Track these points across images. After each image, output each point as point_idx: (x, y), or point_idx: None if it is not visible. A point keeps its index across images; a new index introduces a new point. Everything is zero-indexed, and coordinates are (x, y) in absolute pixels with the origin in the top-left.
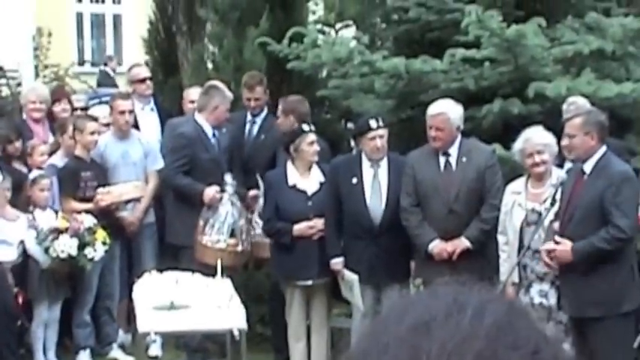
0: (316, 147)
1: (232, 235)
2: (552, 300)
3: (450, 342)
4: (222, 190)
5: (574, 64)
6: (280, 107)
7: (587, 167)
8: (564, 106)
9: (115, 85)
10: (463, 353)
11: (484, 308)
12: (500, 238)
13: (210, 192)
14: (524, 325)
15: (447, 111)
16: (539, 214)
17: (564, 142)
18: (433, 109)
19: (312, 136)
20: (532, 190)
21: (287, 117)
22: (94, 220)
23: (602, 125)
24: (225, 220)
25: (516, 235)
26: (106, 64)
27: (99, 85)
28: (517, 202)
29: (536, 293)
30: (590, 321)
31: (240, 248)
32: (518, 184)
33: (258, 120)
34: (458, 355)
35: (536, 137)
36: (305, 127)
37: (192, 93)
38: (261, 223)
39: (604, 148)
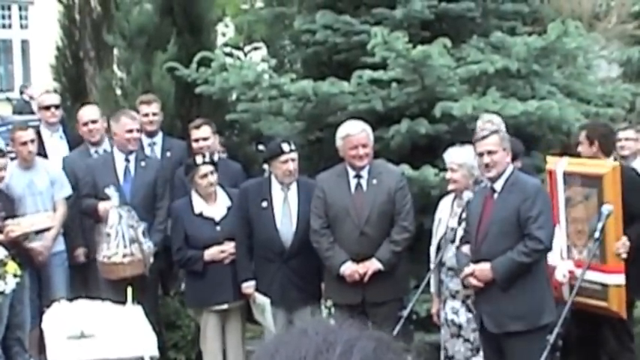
0: (210, 179)
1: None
2: (462, 318)
3: None
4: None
5: (480, 83)
6: None
7: (497, 185)
8: (479, 123)
9: (33, 112)
10: None
11: (352, 346)
12: (432, 251)
13: (101, 206)
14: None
15: (365, 128)
16: (455, 231)
17: (485, 159)
18: (353, 128)
19: (203, 169)
20: (456, 207)
21: None
22: (5, 252)
23: (513, 143)
24: (115, 234)
25: (435, 250)
26: (22, 92)
27: (15, 113)
28: (442, 218)
29: (450, 310)
30: (510, 336)
31: (128, 259)
32: (447, 199)
33: (158, 140)
34: None
35: (453, 155)
36: (198, 159)
37: (87, 113)
38: None
39: (512, 166)
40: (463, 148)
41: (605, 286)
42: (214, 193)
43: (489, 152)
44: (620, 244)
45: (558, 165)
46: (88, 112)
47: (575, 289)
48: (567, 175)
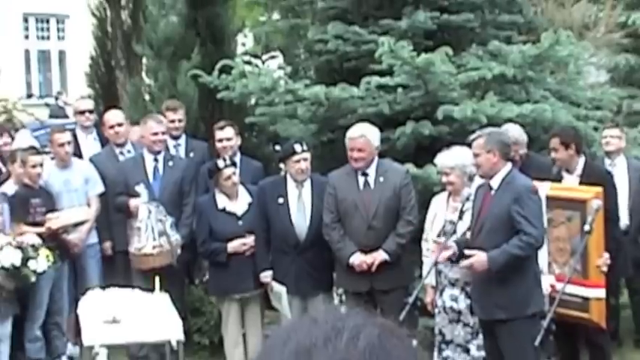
0: (233, 179)
1: (155, 238)
2: (462, 304)
3: None
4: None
5: (479, 88)
6: None
7: (494, 183)
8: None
9: (67, 117)
10: None
11: (359, 332)
12: (424, 245)
13: (132, 202)
14: (395, 345)
15: (366, 133)
16: (455, 225)
17: (473, 160)
18: (353, 132)
19: (227, 172)
20: (452, 203)
21: None
22: (39, 240)
23: (503, 143)
24: (145, 227)
25: (426, 243)
26: (57, 98)
27: (51, 117)
28: (438, 213)
29: (448, 297)
30: (499, 323)
31: (157, 250)
32: (442, 195)
33: (182, 142)
34: None
35: (445, 159)
36: (220, 163)
37: (113, 117)
38: None
39: (509, 166)
40: (451, 152)
41: (586, 299)
42: (237, 190)
43: (474, 154)
44: (602, 261)
45: (540, 189)
46: (114, 116)
47: (557, 300)
48: (550, 199)
